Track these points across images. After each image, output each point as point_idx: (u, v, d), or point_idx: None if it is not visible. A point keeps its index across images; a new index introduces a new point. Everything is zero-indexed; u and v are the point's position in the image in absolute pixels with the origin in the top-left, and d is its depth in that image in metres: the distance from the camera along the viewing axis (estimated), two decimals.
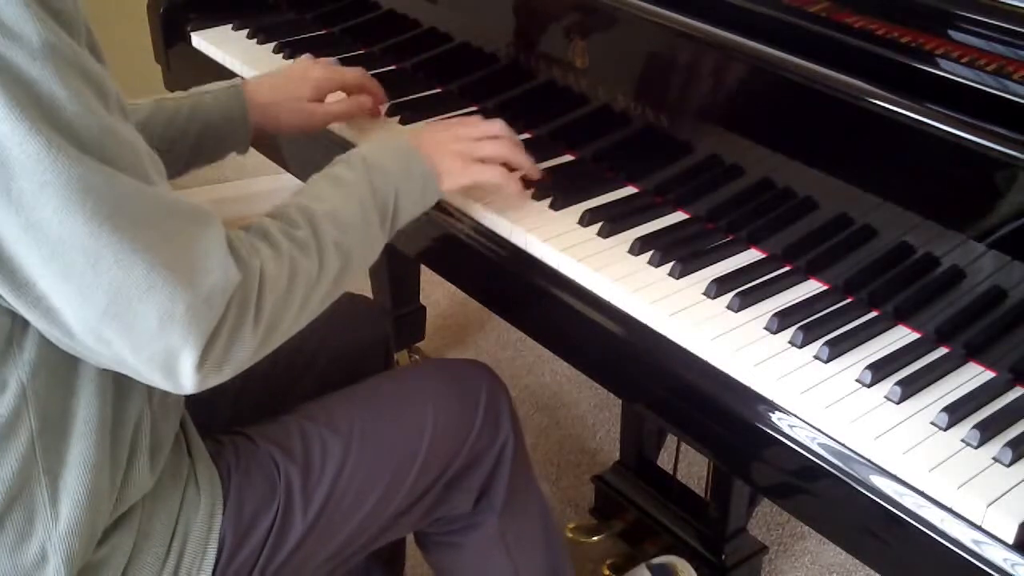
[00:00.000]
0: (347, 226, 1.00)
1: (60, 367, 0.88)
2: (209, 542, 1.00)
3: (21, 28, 0.73)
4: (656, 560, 1.56)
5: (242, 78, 1.28)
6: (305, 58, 1.36)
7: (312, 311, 0.97)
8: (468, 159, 1.14)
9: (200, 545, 1.00)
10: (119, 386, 0.93)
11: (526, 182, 1.21)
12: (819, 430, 0.93)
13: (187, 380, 0.85)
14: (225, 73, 1.61)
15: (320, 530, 1.07)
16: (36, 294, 0.80)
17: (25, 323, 0.85)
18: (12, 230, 0.76)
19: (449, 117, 1.39)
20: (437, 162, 1.11)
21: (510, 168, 1.19)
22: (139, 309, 0.80)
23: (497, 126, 1.19)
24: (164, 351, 0.83)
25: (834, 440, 0.92)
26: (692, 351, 1.02)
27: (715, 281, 1.07)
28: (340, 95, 1.35)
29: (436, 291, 2.36)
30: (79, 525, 0.90)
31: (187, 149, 1.23)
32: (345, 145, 1.35)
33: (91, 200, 0.76)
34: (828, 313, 1.04)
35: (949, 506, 0.85)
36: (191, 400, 1.03)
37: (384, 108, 1.40)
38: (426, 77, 1.49)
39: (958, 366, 0.98)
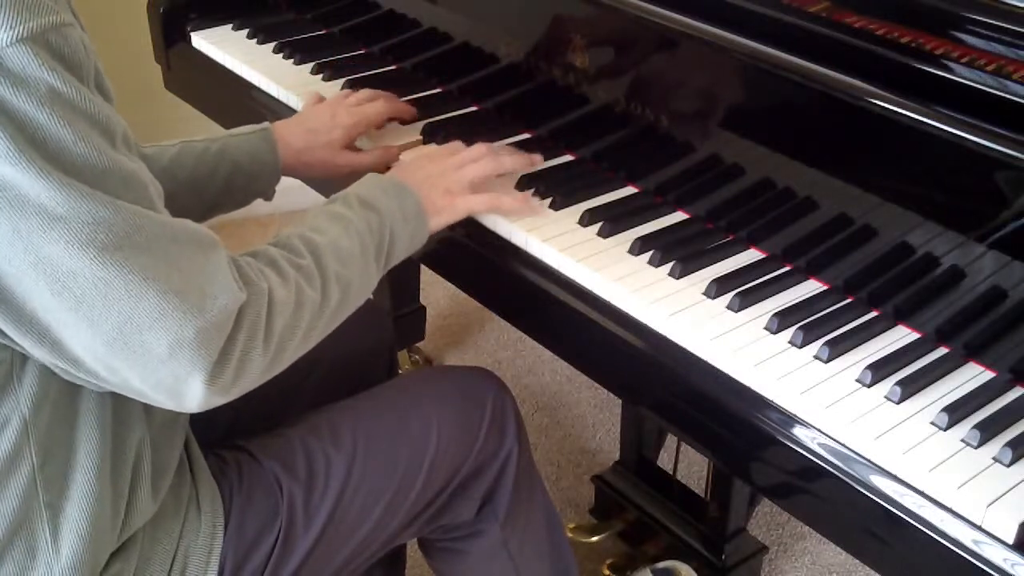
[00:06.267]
0: (347, 260, 1.00)
1: (61, 399, 0.88)
2: (209, 565, 0.99)
3: (28, 75, 0.74)
4: (660, 564, 1.56)
5: (269, 122, 1.27)
6: (329, 102, 1.34)
7: (313, 340, 0.97)
8: (457, 192, 1.15)
9: (200, 568, 0.99)
10: (119, 415, 0.93)
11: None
12: (819, 430, 0.93)
13: (194, 402, 0.86)
14: (225, 73, 1.61)
15: (323, 548, 1.06)
16: (42, 328, 0.80)
17: (24, 357, 0.85)
18: (20, 267, 0.77)
19: (449, 117, 1.39)
20: (425, 198, 1.12)
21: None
22: (149, 337, 0.81)
23: (478, 148, 1.20)
24: (172, 376, 0.83)
25: (834, 440, 0.92)
26: (692, 351, 1.02)
27: (715, 281, 1.07)
28: None
29: (436, 291, 2.36)
30: (82, 558, 0.90)
31: (216, 190, 1.22)
32: None
33: (101, 233, 0.77)
34: (828, 313, 1.04)
35: (949, 506, 0.85)
36: None
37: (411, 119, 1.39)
38: (426, 77, 1.49)
39: (958, 366, 0.98)
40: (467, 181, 1.16)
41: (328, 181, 1.35)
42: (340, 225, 1.03)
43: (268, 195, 1.29)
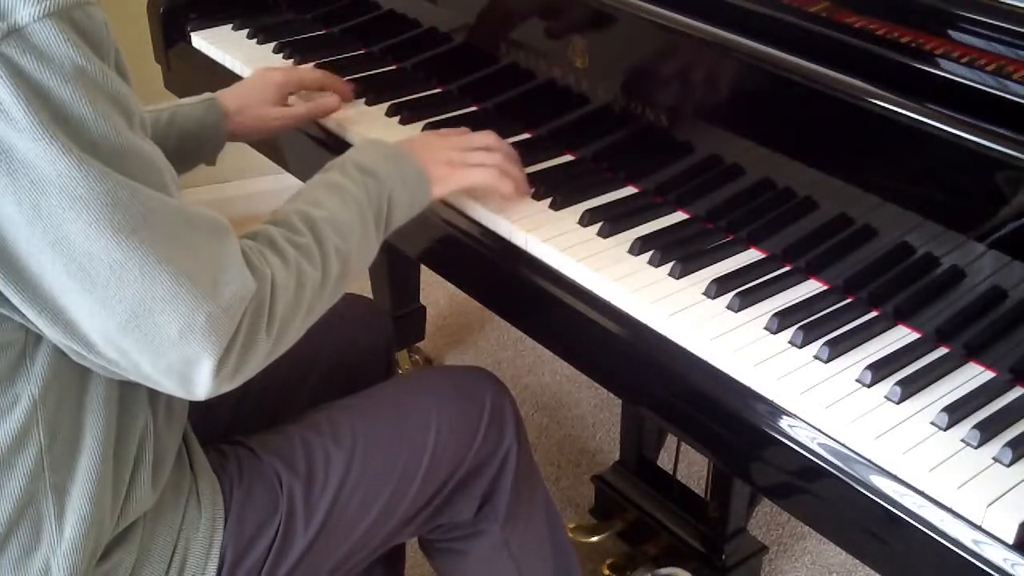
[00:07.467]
0: (346, 232, 1.01)
1: (71, 382, 0.89)
2: (210, 558, 1.00)
3: (53, 51, 0.75)
4: (661, 571, 1.56)
5: (211, 93, 1.31)
6: (264, 67, 1.40)
7: (315, 316, 0.98)
8: (458, 164, 1.15)
9: (200, 561, 0.99)
10: (124, 400, 0.93)
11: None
12: (819, 430, 0.93)
13: (202, 388, 0.86)
14: (225, 73, 1.61)
15: (322, 543, 1.07)
16: (57, 308, 0.81)
17: (38, 338, 0.86)
18: (38, 245, 0.77)
19: (449, 117, 1.39)
20: (428, 168, 1.12)
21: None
22: (160, 320, 0.81)
23: (491, 138, 1.20)
24: (182, 360, 0.84)
25: (834, 440, 0.92)
26: (692, 351, 1.02)
27: (715, 281, 1.07)
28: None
29: (436, 291, 2.36)
30: (83, 541, 0.91)
31: (167, 157, 1.23)
32: (342, 145, 1.35)
33: (119, 214, 0.78)
34: (828, 313, 1.04)
35: (949, 506, 0.85)
36: (191, 405, 1.03)
37: (348, 101, 1.43)
38: (426, 77, 1.49)
39: (958, 366, 0.98)
40: (472, 163, 1.16)
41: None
42: (338, 196, 1.03)
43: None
